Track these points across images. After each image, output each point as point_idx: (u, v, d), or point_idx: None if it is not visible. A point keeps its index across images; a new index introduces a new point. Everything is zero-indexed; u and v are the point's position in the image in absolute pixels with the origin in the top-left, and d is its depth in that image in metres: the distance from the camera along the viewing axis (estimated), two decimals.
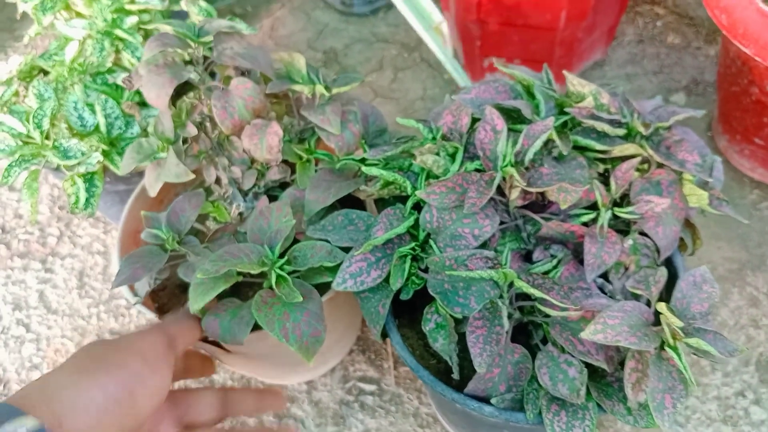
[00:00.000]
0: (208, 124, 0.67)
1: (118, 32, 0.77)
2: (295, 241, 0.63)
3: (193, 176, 0.64)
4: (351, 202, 0.69)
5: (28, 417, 0.39)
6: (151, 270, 0.62)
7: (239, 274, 0.59)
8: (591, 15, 0.94)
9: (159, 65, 0.60)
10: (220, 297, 0.61)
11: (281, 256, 0.59)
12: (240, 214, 0.70)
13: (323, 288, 0.61)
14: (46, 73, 0.84)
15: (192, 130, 0.66)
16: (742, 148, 0.93)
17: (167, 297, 0.73)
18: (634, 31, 1.15)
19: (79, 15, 0.81)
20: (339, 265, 0.58)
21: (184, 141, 0.67)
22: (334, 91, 0.66)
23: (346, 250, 0.60)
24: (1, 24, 1.37)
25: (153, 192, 0.66)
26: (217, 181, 0.70)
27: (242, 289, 0.67)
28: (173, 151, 0.64)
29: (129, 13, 0.78)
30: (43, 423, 0.39)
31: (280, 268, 0.58)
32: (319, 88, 0.64)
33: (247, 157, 0.69)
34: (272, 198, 0.70)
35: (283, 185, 0.71)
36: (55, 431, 0.40)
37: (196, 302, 0.57)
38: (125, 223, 0.73)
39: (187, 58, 0.62)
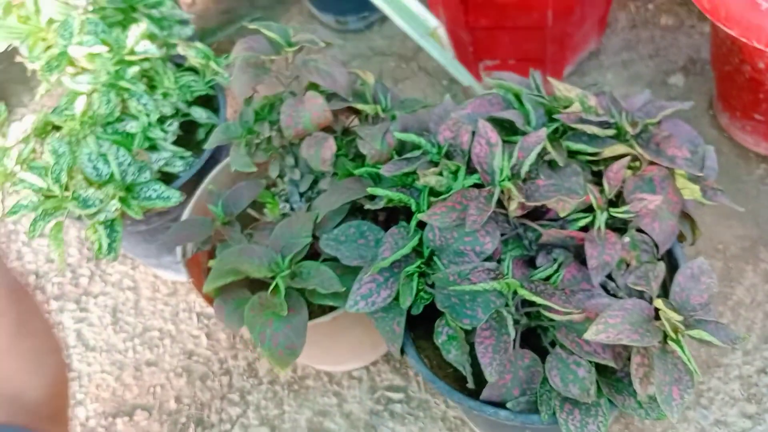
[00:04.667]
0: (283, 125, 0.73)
1: (122, 83, 0.81)
2: (316, 254, 0.67)
3: (254, 169, 0.72)
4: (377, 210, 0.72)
5: None
6: (194, 239, 0.73)
7: None
8: (578, 9, 0.95)
9: (248, 64, 0.68)
10: (252, 284, 0.68)
11: (291, 266, 0.64)
12: (283, 214, 0.75)
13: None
14: (59, 127, 0.88)
15: (266, 128, 0.73)
16: (744, 124, 0.94)
17: None
18: (627, 16, 1.16)
19: (84, 70, 0.84)
20: (333, 293, 0.62)
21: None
22: (394, 112, 0.71)
23: (355, 269, 0.63)
24: (16, 77, 1.42)
25: (232, 168, 0.74)
26: (281, 176, 0.77)
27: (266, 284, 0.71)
28: (243, 143, 0.72)
29: (130, 63, 0.81)
30: None
31: (285, 278, 0.63)
32: (379, 109, 0.71)
33: None
34: None
35: None
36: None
37: (208, 284, 0.66)
38: (199, 196, 0.81)
39: (267, 65, 0.69)
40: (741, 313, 0.85)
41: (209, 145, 0.75)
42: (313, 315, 0.69)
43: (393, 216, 0.74)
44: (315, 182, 0.76)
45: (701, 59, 1.08)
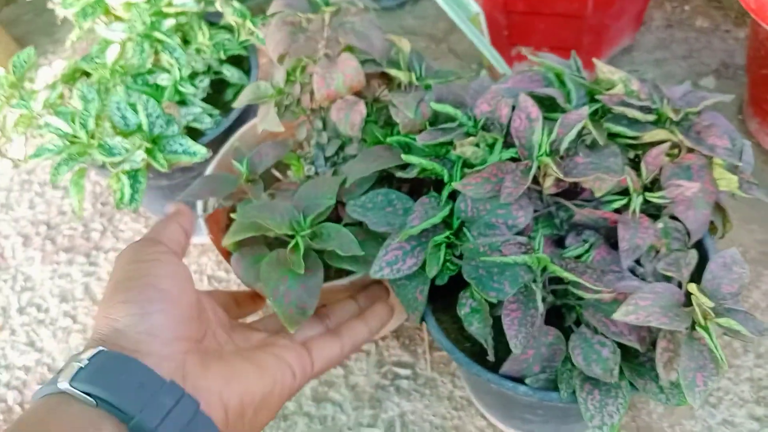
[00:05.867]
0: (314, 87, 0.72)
1: (157, 35, 0.80)
2: (337, 219, 0.67)
3: (283, 129, 0.71)
4: (400, 180, 0.72)
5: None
6: (217, 194, 0.72)
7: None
8: (618, 1, 0.94)
9: (284, 22, 0.67)
10: (270, 245, 0.68)
11: (312, 226, 0.64)
12: (308, 176, 0.75)
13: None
14: (88, 75, 0.87)
15: (297, 89, 0.71)
16: None
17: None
18: (662, 15, 1.15)
19: (118, 19, 0.84)
20: (352, 257, 0.61)
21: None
22: (428, 82, 0.70)
23: (382, 235, 0.62)
24: (40, 29, 1.41)
25: (260, 128, 0.73)
26: (308, 139, 0.76)
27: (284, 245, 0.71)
28: (273, 103, 0.71)
29: (167, 15, 0.80)
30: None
31: (305, 237, 0.62)
32: (413, 77, 0.69)
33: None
34: None
35: None
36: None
37: (228, 237, 0.65)
38: (223, 153, 0.79)
39: (304, 24, 0.68)
40: (756, 316, 0.84)
41: (239, 104, 0.75)
42: (328, 280, 0.68)
43: (416, 189, 0.73)
44: (341, 147, 0.76)
45: (734, 64, 1.08)
